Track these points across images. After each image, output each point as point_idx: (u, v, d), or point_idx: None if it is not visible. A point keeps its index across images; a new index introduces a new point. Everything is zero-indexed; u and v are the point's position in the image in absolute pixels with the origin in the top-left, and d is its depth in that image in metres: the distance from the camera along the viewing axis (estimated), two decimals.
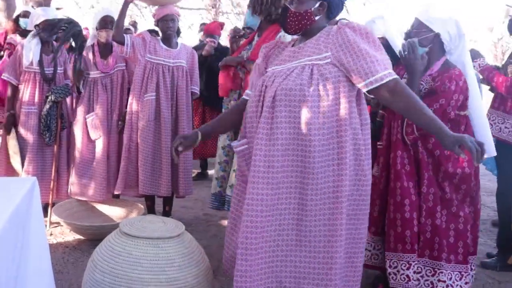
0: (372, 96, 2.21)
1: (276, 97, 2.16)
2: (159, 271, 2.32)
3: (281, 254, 2.18)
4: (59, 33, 4.08)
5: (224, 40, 7.39)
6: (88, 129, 4.12)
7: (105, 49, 4.23)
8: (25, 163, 4.15)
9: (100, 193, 4.12)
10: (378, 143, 3.00)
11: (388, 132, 2.94)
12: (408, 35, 2.93)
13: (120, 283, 2.31)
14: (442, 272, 2.76)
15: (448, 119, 2.71)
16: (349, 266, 2.24)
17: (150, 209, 4.28)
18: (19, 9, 6.26)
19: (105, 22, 4.12)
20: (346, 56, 2.11)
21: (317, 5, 2.22)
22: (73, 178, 4.21)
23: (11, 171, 4.22)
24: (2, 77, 4.26)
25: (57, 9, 10.75)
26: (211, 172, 5.99)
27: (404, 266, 2.74)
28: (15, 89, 4.23)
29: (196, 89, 4.28)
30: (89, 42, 4.29)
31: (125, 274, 2.31)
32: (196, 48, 5.80)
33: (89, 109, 4.15)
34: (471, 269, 2.87)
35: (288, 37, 2.71)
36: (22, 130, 4.17)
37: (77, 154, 4.17)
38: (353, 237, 2.23)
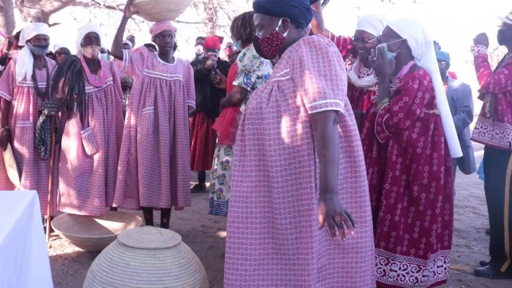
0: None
1: (246, 115, 2.29)
2: (157, 281, 2.37)
3: (264, 264, 2.25)
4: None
5: (222, 53, 7.49)
6: (83, 144, 4.16)
7: (93, 64, 4.28)
8: (22, 177, 4.19)
9: (99, 207, 4.16)
10: None
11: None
12: (378, 41, 3.06)
13: None
14: (395, 263, 2.88)
15: (417, 118, 2.83)
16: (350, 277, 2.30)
17: (148, 221, 4.32)
18: (18, 25, 6.31)
19: (89, 39, 4.17)
20: (297, 75, 2.17)
21: (279, 23, 2.28)
22: (62, 190, 4.23)
23: (10, 185, 4.27)
24: None
25: (55, 24, 10.89)
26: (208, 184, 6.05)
27: None
28: (9, 104, 4.28)
29: (193, 103, 4.36)
30: None
31: (124, 284, 2.35)
32: (193, 63, 5.90)
33: (84, 124, 4.19)
34: (444, 263, 3.01)
35: None
36: (17, 145, 4.22)
37: (70, 168, 4.18)
38: (353, 246, 2.28)
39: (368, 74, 3.58)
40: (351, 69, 3.66)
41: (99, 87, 4.23)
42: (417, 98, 2.81)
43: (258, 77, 3.50)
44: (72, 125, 4.16)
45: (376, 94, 3.05)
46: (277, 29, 2.28)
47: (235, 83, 3.52)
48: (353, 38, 3.65)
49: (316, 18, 3.52)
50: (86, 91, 4.17)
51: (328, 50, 2.16)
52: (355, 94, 3.64)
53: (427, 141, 2.87)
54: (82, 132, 4.11)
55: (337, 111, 2.09)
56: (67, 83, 4.09)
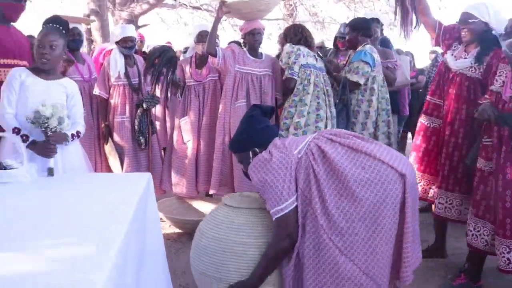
0: None
1: None
2: (260, 236, 2.54)
3: None
4: (155, 62, 4.50)
5: None
6: (181, 132, 4.55)
7: (201, 61, 4.62)
8: (124, 167, 4.56)
9: (190, 189, 4.51)
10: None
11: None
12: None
13: (224, 246, 2.54)
14: None
15: None
16: None
17: None
18: (111, 27, 6.68)
19: (201, 36, 4.54)
20: None
21: (250, 155, 2.62)
22: (166, 177, 4.65)
23: None
24: (94, 93, 4.64)
25: (144, 25, 11.50)
26: None
27: None
28: (106, 102, 4.64)
29: (280, 95, 4.59)
30: (188, 55, 4.70)
31: (229, 239, 2.54)
32: (278, 56, 6.13)
33: (184, 114, 4.58)
34: None
35: None
36: (117, 138, 4.59)
37: (173, 154, 4.61)
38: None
39: (465, 58, 3.57)
40: (451, 54, 3.65)
41: (199, 81, 4.57)
42: None
43: (301, 66, 4.13)
44: (177, 115, 4.55)
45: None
46: (250, 160, 2.59)
47: (284, 77, 4.17)
48: (458, 20, 3.65)
49: (421, 5, 3.71)
50: (187, 83, 4.54)
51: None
52: (448, 76, 3.64)
53: None
54: (181, 120, 4.49)
55: None
56: (156, 71, 4.44)
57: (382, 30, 5.34)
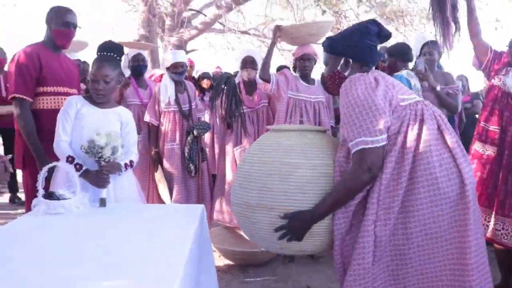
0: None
1: None
2: (313, 157, 2.31)
3: None
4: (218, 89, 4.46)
5: None
6: (236, 160, 4.43)
7: (249, 87, 4.55)
8: (173, 194, 4.50)
9: None
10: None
11: None
12: None
13: (270, 169, 2.31)
14: None
15: None
16: None
17: None
18: (160, 53, 6.76)
19: (246, 62, 4.47)
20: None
21: (341, 62, 2.38)
22: (218, 206, 4.54)
23: (162, 202, 4.63)
24: (144, 119, 4.62)
25: (193, 50, 11.62)
26: None
27: None
28: (157, 129, 4.61)
29: (332, 123, 4.46)
30: (236, 80, 4.64)
31: (275, 161, 2.31)
32: None
33: (237, 142, 4.48)
34: None
35: None
36: (166, 165, 4.54)
37: (224, 182, 4.49)
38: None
39: None
40: (507, 76, 3.51)
41: (252, 108, 4.48)
42: None
43: None
44: (228, 144, 4.45)
45: None
46: (339, 68, 2.38)
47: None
48: (508, 44, 3.56)
49: (474, 26, 3.60)
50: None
51: (351, 91, 2.21)
52: (508, 101, 3.50)
53: None
54: (235, 148, 4.39)
55: None
56: (226, 100, 4.38)
57: (440, 52, 5.14)
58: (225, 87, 4.42)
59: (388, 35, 2.41)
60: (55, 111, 3.27)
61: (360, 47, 2.32)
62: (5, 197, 7.00)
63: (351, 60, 2.36)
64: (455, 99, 4.53)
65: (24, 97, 3.27)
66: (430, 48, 4.43)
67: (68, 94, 3.43)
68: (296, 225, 2.21)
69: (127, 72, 4.93)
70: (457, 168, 2.11)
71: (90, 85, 2.93)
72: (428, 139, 2.11)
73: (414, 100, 2.24)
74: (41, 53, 3.37)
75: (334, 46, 2.40)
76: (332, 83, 2.44)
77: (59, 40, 3.43)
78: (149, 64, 9.69)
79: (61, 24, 3.39)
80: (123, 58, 4.78)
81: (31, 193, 3.26)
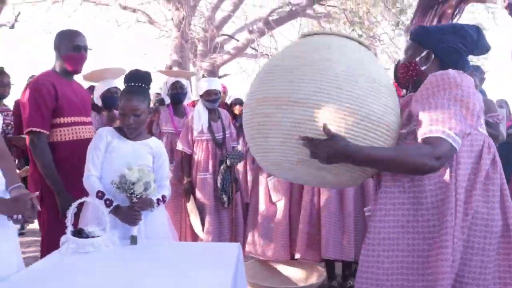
0: None
1: None
2: (352, 57, 2.06)
3: None
4: None
5: None
6: (269, 191, 4.27)
7: None
8: (206, 225, 4.36)
9: (279, 253, 4.21)
10: None
11: None
12: None
13: (303, 63, 2.03)
14: None
15: None
16: None
17: (330, 273, 4.25)
18: (192, 78, 6.69)
19: None
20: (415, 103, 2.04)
21: (423, 54, 2.18)
22: (250, 238, 4.37)
23: (194, 233, 4.50)
24: (177, 148, 4.52)
25: (225, 75, 11.61)
26: None
27: None
28: (190, 158, 4.49)
29: None
30: None
31: (308, 55, 2.04)
32: None
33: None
34: None
35: None
36: (199, 195, 4.41)
37: (258, 214, 4.34)
38: None
39: None
40: None
41: None
42: None
43: None
44: (261, 174, 4.30)
45: None
46: (417, 59, 2.19)
47: None
48: None
49: None
50: None
51: (449, 84, 2.00)
52: None
53: None
54: (268, 178, 4.24)
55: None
56: None
57: (482, 79, 4.95)
58: None
59: (486, 48, 2.22)
60: (73, 142, 3.23)
61: (450, 48, 2.15)
62: None
63: (432, 56, 2.18)
64: (495, 128, 4.30)
65: (41, 130, 3.15)
66: (471, 75, 4.25)
67: (84, 124, 3.35)
68: (325, 152, 1.90)
69: (167, 100, 4.87)
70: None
71: (120, 119, 2.84)
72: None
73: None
74: (55, 81, 3.22)
75: (424, 37, 2.21)
76: (404, 72, 2.26)
77: (70, 65, 3.29)
78: (193, 91, 9.68)
79: (71, 48, 3.25)
80: (162, 86, 4.73)
81: (50, 228, 3.18)
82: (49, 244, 3.07)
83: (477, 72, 4.77)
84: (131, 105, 2.74)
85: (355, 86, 1.94)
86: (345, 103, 1.91)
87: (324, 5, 10.84)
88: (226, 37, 11.93)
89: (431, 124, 1.93)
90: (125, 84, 2.87)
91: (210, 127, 4.46)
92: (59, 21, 13.32)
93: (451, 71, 2.02)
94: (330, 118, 1.91)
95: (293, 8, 9.75)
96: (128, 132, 2.80)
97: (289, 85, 1.97)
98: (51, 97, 3.16)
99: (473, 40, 2.15)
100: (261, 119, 2.05)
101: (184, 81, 4.81)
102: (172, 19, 10.16)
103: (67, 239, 2.42)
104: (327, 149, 1.89)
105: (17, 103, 5.55)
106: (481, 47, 2.20)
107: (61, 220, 2.97)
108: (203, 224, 4.40)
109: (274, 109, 1.98)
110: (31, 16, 11.68)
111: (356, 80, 1.96)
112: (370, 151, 1.93)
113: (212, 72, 10.21)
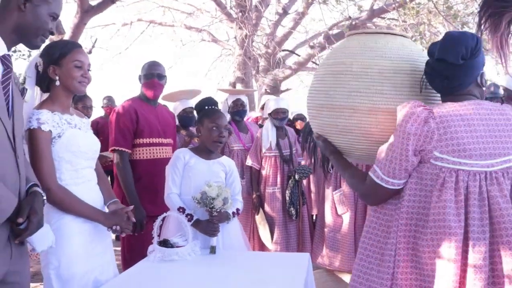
0: None
1: None
2: (394, 58, 2.03)
3: None
4: None
5: None
6: (335, 204, 4.45)
7: None
8: (274, 237, 4.60)
9: (346, 263, 4.37)
10: None
11: None
12: None
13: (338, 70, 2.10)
14: None
15: None
16: None
17: None
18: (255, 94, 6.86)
19: None
20: None
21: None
22: (318, 249, 4.55)
23: (263, 244, 4.73)
24: (246, 164, 4.80)
25: (287, 89, 11.78)
26: None
27: None
28: (258, 173, 4.76)
29: None
30: None
31: (341, 62, 2.10)
32: None
33: (336, 186, 4.50)
34: None
35: None
36: (267, 208, 4.66)
37: (325, 226, 4.51)
38: None
39: None
40: None
41: None
42: None
43: None
44: (328, 188, 4.49)
45: None
46: None
47: None
48: None
49: None
50: None
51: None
52: None
53: None
54: (334, 192, 4.42)
55: None
56: (313, 145, 4.45)
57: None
58: (310, 135, 4.46)
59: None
60: (150, 161, 3.62)
61: (470, 71, 1.88)
62: None
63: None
64: None
65: (123, 149, 3.56)
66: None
67: (161, 145, 3.70)
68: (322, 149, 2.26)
69: (227, 117, 5.13)
70: None
71: (210, 134, 3.02)
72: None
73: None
74: (137, 106, 3.65)
75: (450, 54, 1.87)
76: None
77: (146, 91, 3.72)
78: (256, 107, 9.93)
79: (146, 76, 3.69)
80: (222, 103, 5.01)
81: (127, 238, 3.54)
82: (129, 251, 3.57)
83: (498, 90, 4.78)
84: (224, 121, 3.06)
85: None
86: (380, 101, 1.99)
87: (384, 18, 10.87)
88: (287, 52, 12.16)
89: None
90: (198, 111, 3.20)
91: (278, 144, 4.70)
92: (128, 43, 13.98)
93: None
94: None
95: (353, 22, 9.83)
96: (214, 146, 3.06)
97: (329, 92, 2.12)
98: (132, 120, 3.59)
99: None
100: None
101: (243, 98, 5.07)
102: (235, 37, 10.46)
103: (154, 249, 2.70)
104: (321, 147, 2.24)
105: (95, 123, 6.00)
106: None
107: (138, 231, 3.39)
108: (271, 236, 4.62)
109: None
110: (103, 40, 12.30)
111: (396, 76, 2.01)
112: (342, 165, 2.16)
113: (274, 87, 10.44)
